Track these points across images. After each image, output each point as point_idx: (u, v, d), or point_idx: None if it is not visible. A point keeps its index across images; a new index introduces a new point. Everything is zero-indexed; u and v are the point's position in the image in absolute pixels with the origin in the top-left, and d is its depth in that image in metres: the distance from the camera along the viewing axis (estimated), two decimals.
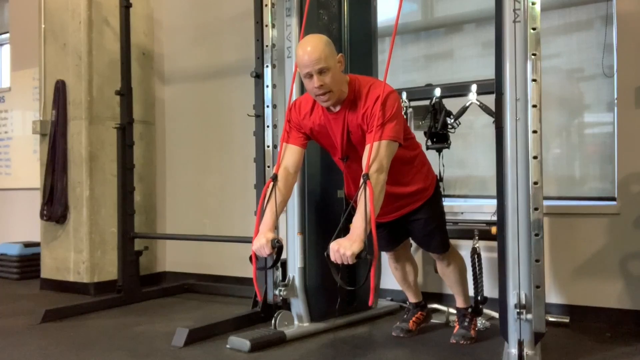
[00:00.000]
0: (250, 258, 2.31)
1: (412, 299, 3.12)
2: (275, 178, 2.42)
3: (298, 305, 3.10)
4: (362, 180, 2.13)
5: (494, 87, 2.44)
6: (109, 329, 3.33)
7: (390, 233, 2.83)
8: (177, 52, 4.89)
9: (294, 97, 3.06)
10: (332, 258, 2.06)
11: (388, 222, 2.73)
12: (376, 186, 2.15)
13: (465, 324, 2.90)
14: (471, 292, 3.06)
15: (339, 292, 2.28)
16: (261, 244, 2.25)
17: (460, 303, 2.94)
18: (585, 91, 3.60)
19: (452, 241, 3.46)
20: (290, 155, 2.50)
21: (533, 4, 2.33)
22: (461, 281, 2.93)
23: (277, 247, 2.27)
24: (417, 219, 2.73)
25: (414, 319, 3.05)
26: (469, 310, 2.93)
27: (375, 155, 2.20)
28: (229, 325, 3.15)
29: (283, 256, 3.17)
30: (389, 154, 2.26)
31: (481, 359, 2.66)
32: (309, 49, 2.26)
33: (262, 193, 2.45)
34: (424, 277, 3.69)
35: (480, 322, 3.08)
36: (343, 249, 2.03)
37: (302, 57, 2.28)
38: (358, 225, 2.07)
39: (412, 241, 3.11)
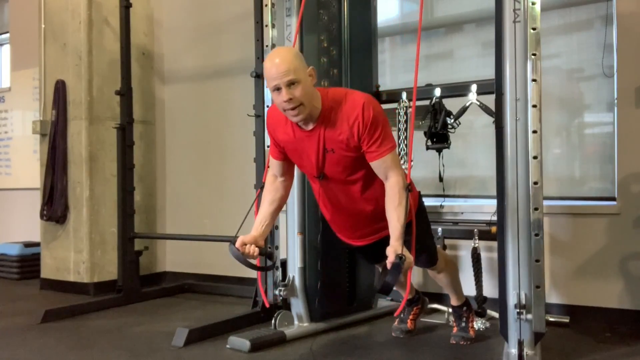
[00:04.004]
0: (254, 266, 2.31)
1: (405, 296, 3.09)
2: (262, 187, 2.44)
3: (298, 305, 3.10)
4: (403, 191, 2.17)
5: (494, 87, 2.45)
6: (109, 329, 3.33)
7: (373, 253, 2.62)
8: (177, 52, 4.89)
9: None
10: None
11: (369, 245, 2.56)
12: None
13: (463, 324, 2.89)
14: (471, 292, 3.06)
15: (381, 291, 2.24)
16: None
17: (454, 301, 2.92)
18: (585, 91, 3.60)
19: (452, 241, 3.47)
20: (275, 165, 2.45)
21: (533, 4, 2.34)
22: (453, 283, 2.88)
23: (266, 254, 2.30)
24: None
25: (411, 317, 3.04)
26: (464, 308, 2.91)
27: (391, 166, 2.21)
28: (229, 325, 3.15)
29: (283, 256, 3.19)
30: (397, 159, 2.28)
31: (481, 359, 2.66)
32: (277, 61, 2.13)
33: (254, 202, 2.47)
34: (424, 277, 3.69)
35: (481, 322, 3.08)
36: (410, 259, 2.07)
37: (269, 70, 2.13)
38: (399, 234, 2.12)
39: None
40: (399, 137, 3.36)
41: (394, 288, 2.34)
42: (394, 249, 2.07)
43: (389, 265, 2.03)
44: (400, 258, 2.01)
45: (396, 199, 2.18)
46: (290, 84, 2.11)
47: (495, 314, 3.01)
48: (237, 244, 2.21)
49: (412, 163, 3.28)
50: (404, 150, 3.29)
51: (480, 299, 3.06)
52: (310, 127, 2.26)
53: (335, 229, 2.58)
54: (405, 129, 3.32)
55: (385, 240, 2.20)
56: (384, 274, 2.08)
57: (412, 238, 2.22)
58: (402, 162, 3.24)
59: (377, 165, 2.23)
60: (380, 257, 2.54)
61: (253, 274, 2.98)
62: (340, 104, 2.22)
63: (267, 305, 2.74)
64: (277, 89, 2.13)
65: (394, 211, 2.16)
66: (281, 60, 2.12)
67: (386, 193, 2.22)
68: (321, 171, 2.34)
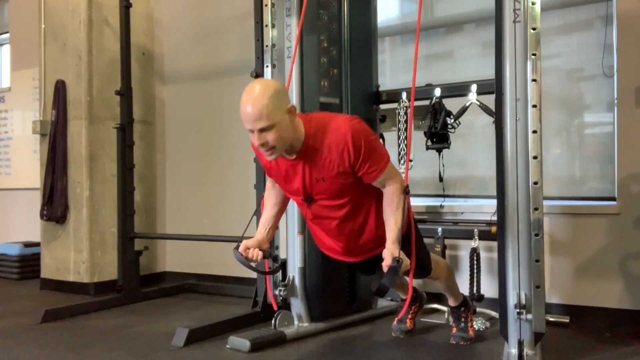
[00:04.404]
0: (258, 270, 2.31)
1: (402, 295, 3.09)
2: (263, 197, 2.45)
3: (298, 305, 3.10)
4: (401, 195, 2.17)
5: (494, 87, 2.45)
6: (109, 329, 3.33)
7: (366, 267, 2.57)
8: (177, 52, 4.89)
9: (293, 99, 3.07)
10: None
11: (360, 261, 2.52)
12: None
13: (462, 325, 2.88)
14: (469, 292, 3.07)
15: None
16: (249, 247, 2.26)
17: (452, 302, 2.90)
18: (585, 91, 3.60)
19: (452, 241, 3.47)
20: (271, 179, 2.44)
21: (533, 4, 2.34)
22: (449, 286, 2.84)
23: (271, 257, 2.30)
24: None
25: (410, 315, 3.03)
26: (462, 309, 2.90)
27: (389, 177, 2.19)
28: (229, 325, 3.15)
29: (283, 256, 3.19)
30: (393, 168, 2.25)
31: (481, 359, 2.66)
32: (249, 104, 2.02)
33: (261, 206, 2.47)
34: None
35: (481, 322, 3.09)
36: (406, 262, 2.06)
37: (242, 110, 2.04)
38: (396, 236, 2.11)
39: None
40: (398, 137, 3.37)
41: (395, 291, 2.33)
42: (390, 251, 2.05)
43: (385, 268, 2.02)
44: (397, 261, 2.00)
45: (394, 203, 2.17)
46: (262, 130, 2.03)
47: (495, 314, 3.01)
48: (241, 249, 2.22)
49: (411, 164, 3.31)
50: (403, 150, 3.29)
51: (473, 296, 3.06)
52: (294, 156, 2.19)
53: (324, 250, 2.52)
54: (405, 129, 3.32)
55: (378, 257, 2.16)
56: (379, 277, 2.07)
57: (412, 242, 2.21)
58: (402, 162, 3.26)
59: (377, 182, 2.22)
60: (373, 269, 2.52)
61: (253, 274, 2.99)
62: (325, 132, 2.15)
63: (275, 308, 2.72)
64: (251, 131, 2.06)
65: (392, 215, 2.16)
66: (253, 104, 2.01)
67: (384, 198, 2.21)
68: (309, 196, 2.28)
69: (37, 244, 4.79)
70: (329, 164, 2.16)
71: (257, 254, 2.23)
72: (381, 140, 3.52)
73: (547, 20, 3.45)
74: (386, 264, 2.02)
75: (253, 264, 2.26)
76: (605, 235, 3.24)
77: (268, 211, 2.43)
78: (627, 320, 3.14)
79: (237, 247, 2.22)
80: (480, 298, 3.08)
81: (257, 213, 2.65)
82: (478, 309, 3.13)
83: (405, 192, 2.19)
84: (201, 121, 4.74)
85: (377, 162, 2.17)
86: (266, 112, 2.00)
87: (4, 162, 5.88)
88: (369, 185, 2.24)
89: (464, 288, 3.03)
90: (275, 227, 2.43)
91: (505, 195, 2.37)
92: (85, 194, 4.35)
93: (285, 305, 3.14)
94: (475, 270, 3.11)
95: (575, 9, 3.60)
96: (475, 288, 3.11)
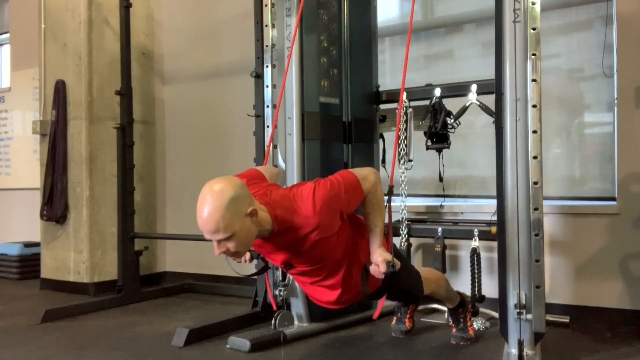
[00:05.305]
0: (248, 275, 2.29)
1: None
2: None
3: (298, 305, 3.10)
4: (381, 195, 2.12)
5: (494, 87, 2.45)
6: (109, 329, 3.33)
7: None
8: (177, 52, 4.89)
9: (293, 99, 3.07)
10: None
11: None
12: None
13: (461, 325, 2.88)
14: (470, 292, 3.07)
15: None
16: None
17: (449, 305, 2.88)
18: (585, 91, 3.60)
19: (452, 241, 3.47)
20: None
21: (533, 4, 2.34)
22: (443, 293, 2.78)
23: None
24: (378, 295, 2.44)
25: (408, 315, 3.02)
26: (460, 310, 2.89)
27: (368, 189, 2.10)
28: (229, 325, 3.15)
29: None
30: (366, 178, 2.14)
31: (481, 359, 2.66)
32: (204, 216, 1.87)
33: None
34: None
35: (481, 322, 3.09)
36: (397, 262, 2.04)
37: (198, 219, 1.90)
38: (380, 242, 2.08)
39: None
40: (398, 137, 3.36)
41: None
42: (382, 257, 2.02)
43: (380, 275, 2.00)
44: (392, 266, 1.99)
45: (374, 204, 2.12)
46: (221, 240, 1.91)
47: (495, 314, 3.01)
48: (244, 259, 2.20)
49: (411, 164, 3.31)
50: (404, 150, 3.29)
51: (474, 297, 3.06)
52: (265, 239, 2.07)
53: (313, 300, 2.43)
54: (406, 129, 3.32)
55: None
56: (365, 280, 2.05)
57: (389, 240, 2.16)
58: (402, 162, 3.25)
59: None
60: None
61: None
62: (294, 226, 2.00)
63: (275, 308, 2.67)
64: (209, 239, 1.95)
65: (372, 216, 2.11)
66: (209, 217, 1.87)
67: (365, 204, 2.14)
68: (287, 264, 2.19)
69: (37, 244, 4.79)
70: (305, 241, 2.04)
71: (245, 256, 2.20)
72: (381, 141, 3.54)
73: (547, 20, 3.45)
74: (381, 271, 1.99)
75: (246, 266, 2.23)
76: (605, 235, 3.24)
77: None
78: (627, 320, 3.14)
79: None
80: (481, 299, 3.08)
81: None
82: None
83: (390, 192, 2.17)
84: (201, 121, 4.74)
85: (355, 195, 2.09)
86: (223, 224, 1.86)
87: (4, 162, 5.88)
88: (348, 242, 2.16)
89: (465, 288, 3.03)
90: None
91: (505, 195, 2.37)
92: (85, 194, 4.35)
93: (285, 305, 3.14)
94: (476, 271, 3.11)
95: (575, 9, 3.60)
96: (476, 289, 3.11)
